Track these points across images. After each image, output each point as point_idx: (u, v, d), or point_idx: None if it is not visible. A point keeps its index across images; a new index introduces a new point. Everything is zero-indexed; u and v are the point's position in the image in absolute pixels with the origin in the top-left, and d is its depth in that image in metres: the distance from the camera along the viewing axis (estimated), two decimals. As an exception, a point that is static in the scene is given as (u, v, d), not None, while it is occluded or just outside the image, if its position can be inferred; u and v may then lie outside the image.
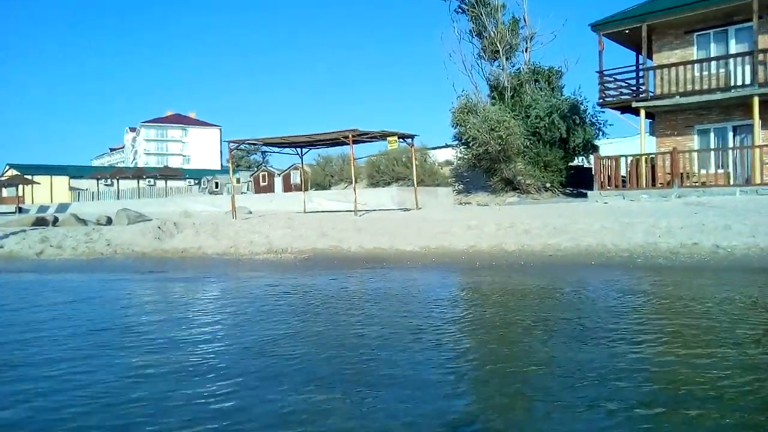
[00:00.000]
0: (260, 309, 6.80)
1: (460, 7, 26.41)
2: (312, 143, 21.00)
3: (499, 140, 21.31)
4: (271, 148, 22.78)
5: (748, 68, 17.02)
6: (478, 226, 12.73)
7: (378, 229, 13.74)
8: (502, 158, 22.12)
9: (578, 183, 23.03)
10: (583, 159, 24.68)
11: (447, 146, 30.29)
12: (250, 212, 22.68)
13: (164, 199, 38.69)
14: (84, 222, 21.11)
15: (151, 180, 49.38)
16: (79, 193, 52.64)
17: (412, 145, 20.60)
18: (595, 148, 22.58)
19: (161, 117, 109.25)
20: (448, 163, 30.20)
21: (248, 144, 21.26)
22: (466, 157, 24.47)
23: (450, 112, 24.00)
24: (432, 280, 9.08)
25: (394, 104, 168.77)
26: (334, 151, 31.89)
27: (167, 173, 50.96)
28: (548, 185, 22.65)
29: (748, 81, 16.90)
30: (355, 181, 20.46)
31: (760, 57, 16.70)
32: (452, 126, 24.13)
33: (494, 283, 8.38)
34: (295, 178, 33.80)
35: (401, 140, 19.72)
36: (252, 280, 9.48)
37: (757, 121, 16.42)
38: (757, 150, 16.11)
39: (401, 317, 6.05)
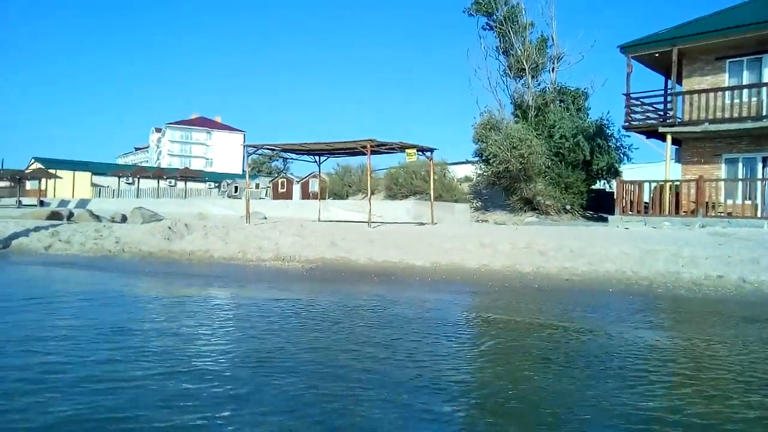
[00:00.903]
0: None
1: (487, 23, 26.22)
2: (330, 151, 20.84)
3: (521, 159, 20.94)
4: (289, 154, 22.69)
5: (781, 98, 16.48)
6: (492, 245, 12.36)
7: (390, 241, 13.44)
8: (522, 177, 21.72)
9: (599, 207, 22.50)
10: (605, 183, 24.15)
11: (467, 162, 29.97)
12: (265, 218, 22.57)
13: (183, 200, 38.88)
14: (98, 218, 21.19)
15: (172, 181, 49.73)
16: (100, 189, 53.22)
17: (431, 159, 20.31)
18: (618, 173, 22.07)
19: (187, 119, 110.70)
20: (467, 179, 29.84)
21: (266, 149, 21.17)
22: (485, 174, 24.13)
23: (472, 127, 23.76)
24: (438, 304, 8.72)
25: (417, 116, 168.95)
26: (354, 161, 31.75)
27: (187, 174, 51.25)
28: (568, 207, 22.15)
29: (781, 111, 16.35)
30: (372, 193, 20.23)
31: (795, 86, 16.16)
32: (474, 142, 23.86)
33: (508, 310, 8.00)
34: (314, 186, 33.69)
35: (420, 153, 19.45)
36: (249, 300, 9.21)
37: (789, 152, 15.85)
38: (789, 182, 15.51)
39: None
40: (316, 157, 22.00)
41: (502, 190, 23.53)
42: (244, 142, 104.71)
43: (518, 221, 21.23)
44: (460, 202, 25.84)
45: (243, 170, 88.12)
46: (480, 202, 26.03)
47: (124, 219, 21.67)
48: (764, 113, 16.74)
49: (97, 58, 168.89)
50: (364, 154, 18.79)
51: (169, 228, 15.01)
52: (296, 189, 35.75)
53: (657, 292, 8.79)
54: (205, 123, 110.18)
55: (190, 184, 50.41)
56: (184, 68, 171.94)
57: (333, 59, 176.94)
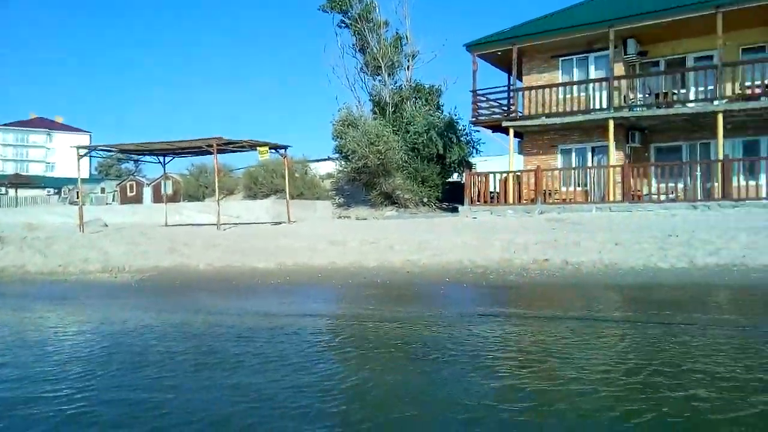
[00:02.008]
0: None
1: (342, 21, 26.07)
2: (174, 151, 19.38)
3: (378, 154, 21.06)
4: (129, 155, 20.82)
5: (605, 93, 18.03)
6: (342, 242, 12.12)
7: (237, 244, 12.68)
8: (381, 172, 21.88)
9: (454, 198, 23.31)
10: (459, 176, 25.12)
11: (328, 159, 29.71)
12: (106, 224, 20.57)
13: (15, 209, 34.55)
14: None
15: (2, 188, 43.88)
16: None
17: (285, 156, 19.68)
18: (470, 165, 23.00)
19: (23, 120, 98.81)
20: (329, 176, 29.59)
21: (101, 150, 19.21)
22: (346, 170, 24.03)
23: (331, 124, 23.54)
24: (268, 312, 8.22)
25: (280, 113, 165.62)
26: (210, 161, 30.02)
27: (20, 181, 45.55)
28: (425, 200, 22.70)
29: (605, 105, 17.89)
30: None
31: (615, 83, 17.76)
32: (333, 138, 23.65)
33: (342, 308, 7.70)
34: (168, 188, 31.48)
35: (273, 151, 18.74)
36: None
37: (611, 142, 17.38)
38: (611, 170, 17.04)
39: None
40: (160, 158, 20.37)
41: (362, 186, 23.55)
42: (90, 143, 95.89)
43: (379, 216, 21.34)
44: (323, 200, 25.51)
45: (91, 174, 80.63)
46: (342, 199, 25.88)
47: (-71, 234, 18.51)
48: (591, 107, 18.26)
49: None
50: (212, 153, 17.69)
51: (-25, 242, 12.94)
52: (147, 192, 33.24)
53: (489, 278, 9.04)
54: (44, 124, 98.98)
55: (26, 191, 44.87)
56: (18, 64, 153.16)
57: (185, 54, 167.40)
